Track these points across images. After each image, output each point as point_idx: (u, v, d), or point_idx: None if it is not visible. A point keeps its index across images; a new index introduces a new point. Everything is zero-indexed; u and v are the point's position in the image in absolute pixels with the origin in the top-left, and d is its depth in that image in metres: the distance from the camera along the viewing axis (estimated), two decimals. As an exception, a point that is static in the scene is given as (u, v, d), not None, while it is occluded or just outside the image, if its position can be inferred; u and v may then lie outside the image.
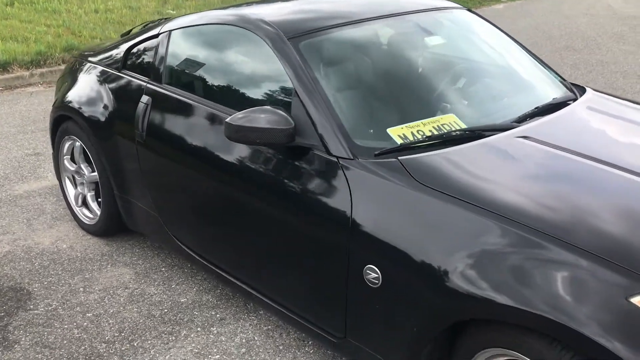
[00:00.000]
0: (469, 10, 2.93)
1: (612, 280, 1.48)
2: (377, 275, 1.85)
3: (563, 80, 2.75)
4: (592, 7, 11.47)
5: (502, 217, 1.68)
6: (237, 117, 2.07)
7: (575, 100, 2.50)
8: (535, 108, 2.33)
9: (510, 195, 1.77)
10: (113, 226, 3.23)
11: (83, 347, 2.48)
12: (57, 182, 3.99)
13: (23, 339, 2.53)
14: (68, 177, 3.46)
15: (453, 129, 2.13)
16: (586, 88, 2.70)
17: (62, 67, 6.94)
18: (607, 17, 10.43)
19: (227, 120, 2.08)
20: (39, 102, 5.93)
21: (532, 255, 1.58)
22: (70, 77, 3.44)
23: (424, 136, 2.07)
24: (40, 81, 6.70)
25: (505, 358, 1.68)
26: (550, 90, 2.57)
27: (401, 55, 2.50)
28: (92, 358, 2.42)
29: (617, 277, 1.48)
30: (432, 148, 2.02)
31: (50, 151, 4.55)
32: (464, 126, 2.15)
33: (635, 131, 2.31)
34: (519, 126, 2.16)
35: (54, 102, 3.47)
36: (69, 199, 3.46)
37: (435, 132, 2.09)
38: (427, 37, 2.59)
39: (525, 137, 2.09)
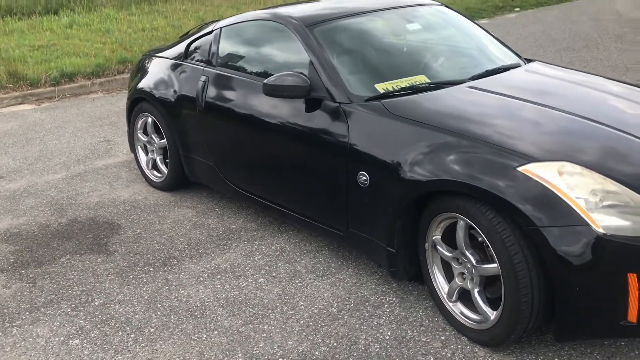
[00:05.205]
0: (445, 5, 3.86)
1: (506, 159, 2.35)
2: (366, 178, 2.76)
3: (518, 55, 3.65)
4: (600, 12, 12.22)
5: (440, 128, 2.59)
6: (271, 79, 3.03)
7: (519, 67, 3.39)
8: (485, 71, 3.23)
9: (448, 118, 2.68)
10: (177, 181, 4.22)
11: (163, 253, 3.44)
12: (127, 158, 5.02)
13: (119, 250, 3.51)
14: (140, 147, 4.47)
15: (422, 84, 3.05)
16: (534, 60, 3.59)
17: (118, 76, 8.08)
18: (612, 20, 11.17)
19: (264, 81, 3.04)
20: (100, 105, 7.02)
21: (459, 150, 2.47)
22: (141, 70, 4.46)
23: (400, 88, 2.99)
24: (100, 89, 7.80)
25: (452, 220, 2.56)
26: (501, 60, 3.46)
27: (387, 36, 3.45)
28: (170, 259, 3.38)
29: (509, 156, 2.36)
30: (404, 95, 2.93)
31: (117, 139, 5.61)
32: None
33: (557, 83, 3.20)
34: (468, 81, 3.07)
35: (129, 91, 4.49)
36: (141, 163, 4.46)
37: (408, 86, 3.01)
38: (408, 24, 3.53)
39: (471, 87, 3.00)
